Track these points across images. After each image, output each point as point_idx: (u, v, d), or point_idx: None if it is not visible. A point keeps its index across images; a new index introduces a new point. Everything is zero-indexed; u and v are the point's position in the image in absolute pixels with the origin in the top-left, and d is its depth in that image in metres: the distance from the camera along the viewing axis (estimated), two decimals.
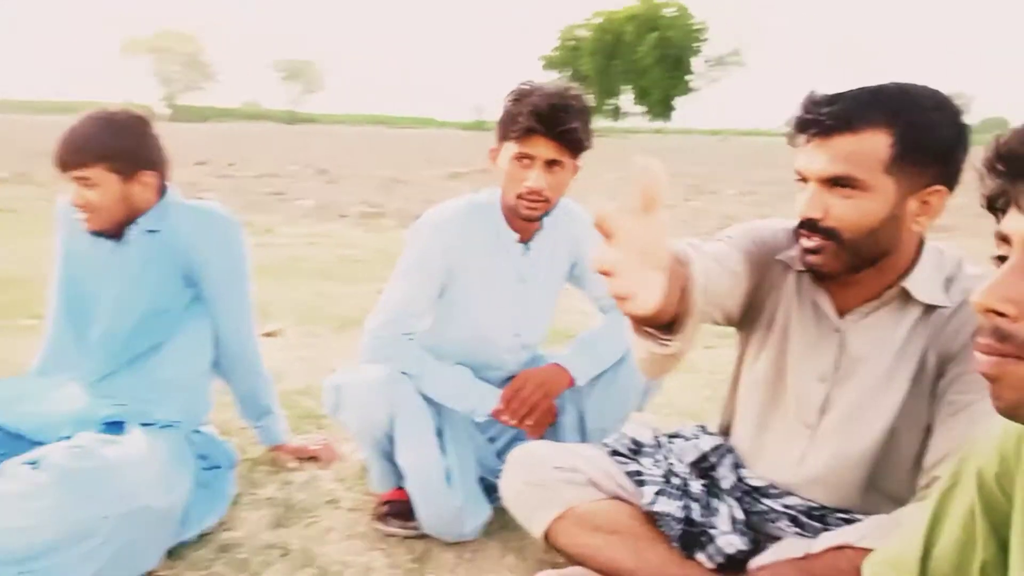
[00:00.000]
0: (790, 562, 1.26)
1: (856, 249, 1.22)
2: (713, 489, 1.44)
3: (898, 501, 1.31)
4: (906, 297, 1.27)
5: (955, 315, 1.25)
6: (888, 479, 1.32)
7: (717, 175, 15.07)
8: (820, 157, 1.19)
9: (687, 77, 59.63)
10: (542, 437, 1.79)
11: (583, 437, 1.89)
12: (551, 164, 1.68)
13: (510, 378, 1.86)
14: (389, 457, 1.78)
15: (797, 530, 1.36)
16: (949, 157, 1.18)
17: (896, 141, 1.16)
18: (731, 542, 1.36)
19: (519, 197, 1.71)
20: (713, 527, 1.38)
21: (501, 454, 1.92)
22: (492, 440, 1.95)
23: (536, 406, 1.77)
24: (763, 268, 1.38)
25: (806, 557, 1.24)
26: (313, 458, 2.14)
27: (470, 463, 1.82)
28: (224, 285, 1.88)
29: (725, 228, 1.45)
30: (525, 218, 1.75)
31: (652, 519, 1.41)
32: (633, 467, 1.48)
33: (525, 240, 1.84)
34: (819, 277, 1.31)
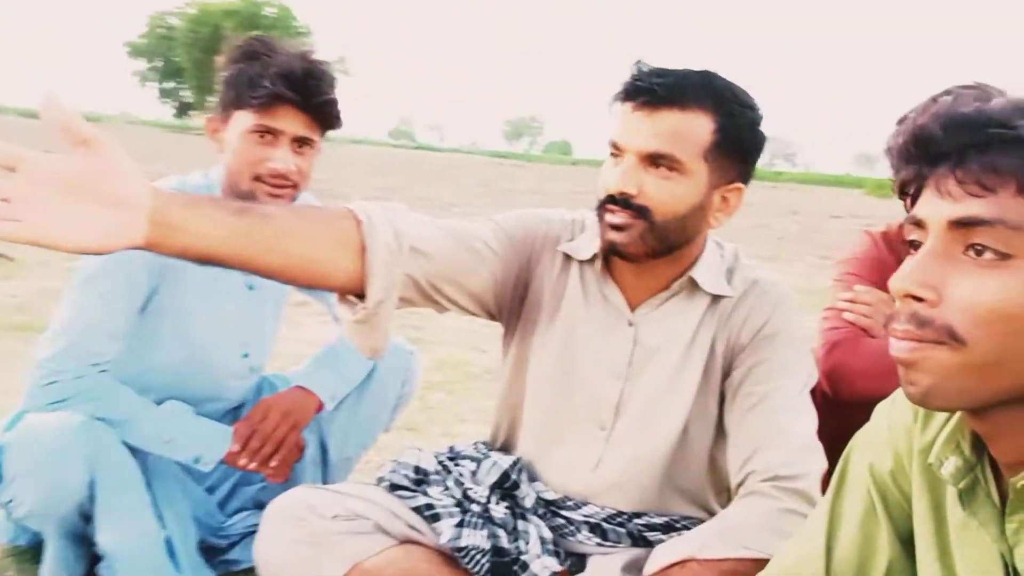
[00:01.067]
0: None
1: (663, 233, 1.19)
2: (516, 510, 1.29)
3: (693, 498, 1.31)
4: (693, 288, 1.28)
5: (739, 305, 1.28)
6: (683, 477, 1.30)
7: (340, 181, 14.99)
8: (644, 129, 1.16)
9: None
10: (287, 479, 1.46)
11: (325, 471, 1.60)
12: (300, 142, 1.38)
13: (232, 411, 1.50)
14: (77, 537, 1.29)
15: (599, 540, 1.28)
16: (751, 157, 1.23)
17: (718, 128, 1.17)
18: (545, 565, 1.23)
19: (257, 180, 1.36)
20: (524, 552, 1.24)
21: (224, 506, 1.54)
22: (211, 490, 1.55)
23: (282, 441, 1.43)
24: (532, 257, 1.30)
25: None
26: None
27: (190, 526, 1.42)
28: None
29: None
30: None
31: (452, 558, 1.22)
32: (421, 500, 1.27)
33: None
34: (610, 261, 1.26)
